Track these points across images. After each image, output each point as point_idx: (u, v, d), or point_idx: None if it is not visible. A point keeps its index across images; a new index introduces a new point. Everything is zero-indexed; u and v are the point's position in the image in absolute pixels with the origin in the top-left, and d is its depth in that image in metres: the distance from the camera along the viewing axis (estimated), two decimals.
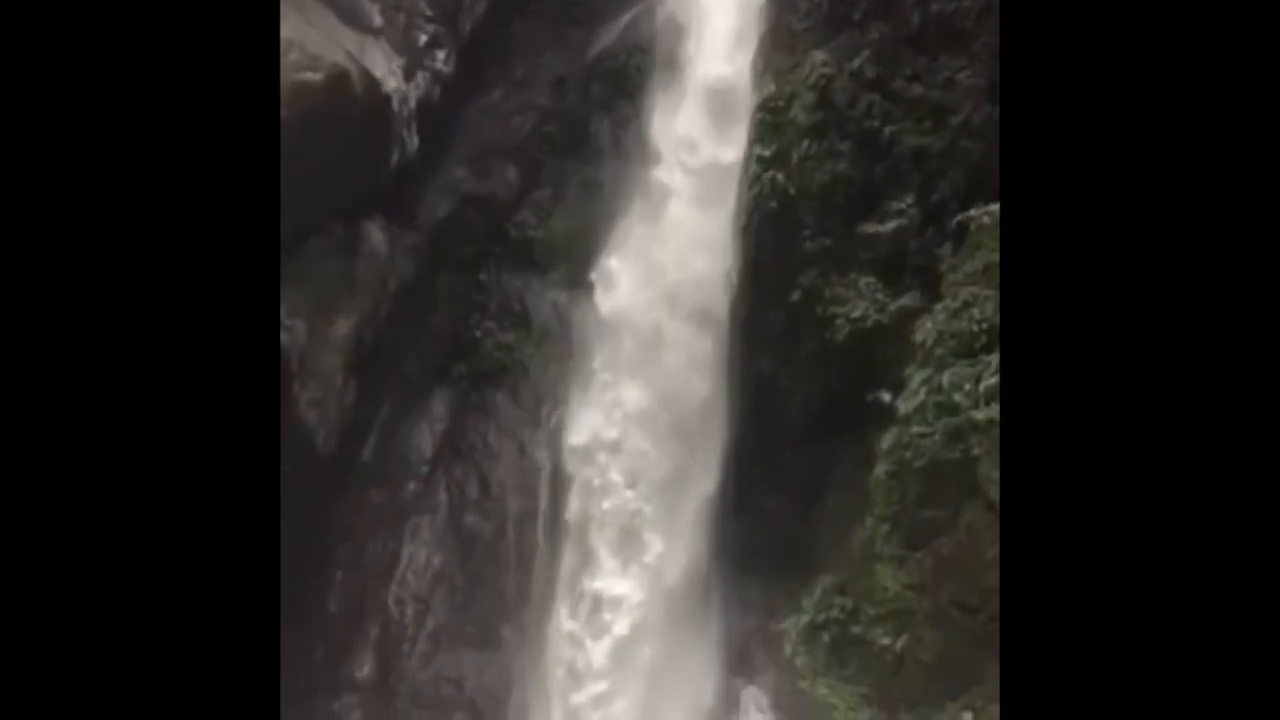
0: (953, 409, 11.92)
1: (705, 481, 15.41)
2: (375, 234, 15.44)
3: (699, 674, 14.57)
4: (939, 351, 12.39)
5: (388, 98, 14.99)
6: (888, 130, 13.87)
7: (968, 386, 11.82)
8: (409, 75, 15.62)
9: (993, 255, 12.11)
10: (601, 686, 14.99)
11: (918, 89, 13.76)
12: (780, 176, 14.39)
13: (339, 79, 14.16)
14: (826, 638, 12.92)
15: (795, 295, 14.22)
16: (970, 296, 12.36)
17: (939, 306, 12.79)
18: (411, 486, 15.18)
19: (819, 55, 14.50)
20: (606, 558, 15.65)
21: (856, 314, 13.76)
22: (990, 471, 11.16)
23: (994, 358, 11.47)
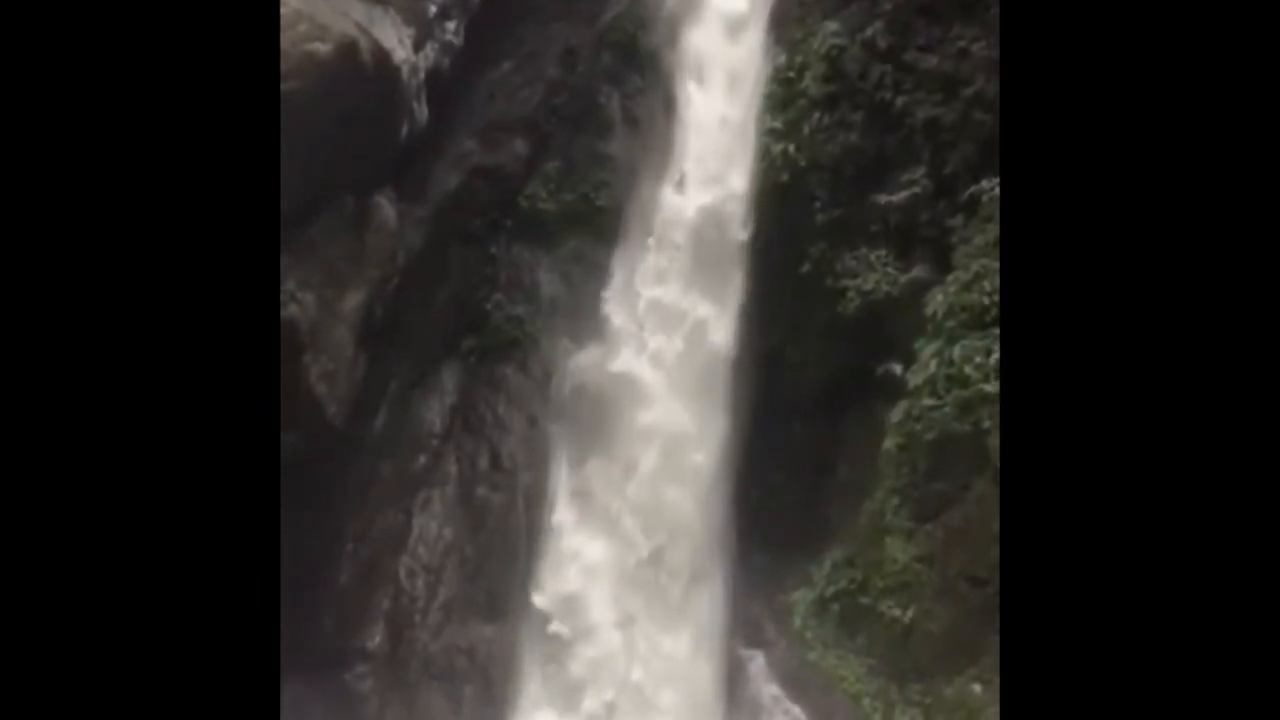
0: (963, 381, 11.93)
1: None
2: (385, 206, 15.37)
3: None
4: (950, 324, 12.38)
5: (397, 69, 14.87)
6: (899, 101, 13.78)
7: (978, 359, 11.83)
8: (418, 46, 15.49)
9: None
10: None
11: (930, 60, 13.66)
12: (791, 148, 14.31)
13: (348, 49, 14.05)
14: (836, 609, 12.97)
15: (805, 267, 14.17)
16: (981, 269, 12.34)
17: (950, 279, 12.77)
18: (422, 459, 15.18)
19: (830, 25, 14.40)
20: None
21: (867, 286, 13.73)
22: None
23: None
